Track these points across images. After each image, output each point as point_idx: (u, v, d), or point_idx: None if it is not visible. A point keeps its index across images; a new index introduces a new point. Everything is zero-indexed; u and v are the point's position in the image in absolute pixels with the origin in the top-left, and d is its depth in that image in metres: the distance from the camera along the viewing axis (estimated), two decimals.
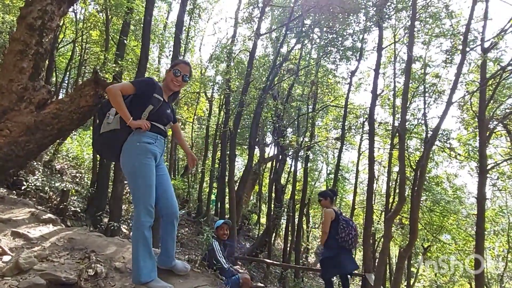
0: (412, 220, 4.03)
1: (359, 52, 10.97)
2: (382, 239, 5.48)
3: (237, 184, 12.67)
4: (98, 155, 7.83)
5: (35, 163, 5.83)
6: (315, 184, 21.55)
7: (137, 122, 2.54)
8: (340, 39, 10.37)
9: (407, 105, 9.36)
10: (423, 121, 8.65)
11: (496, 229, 11.07)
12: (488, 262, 13.34)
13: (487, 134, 6.77)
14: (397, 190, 7.11)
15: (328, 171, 20.70)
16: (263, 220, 18.42)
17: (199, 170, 16.06)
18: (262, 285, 6.98)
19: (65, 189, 6.14)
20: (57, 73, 12.04)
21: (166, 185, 2.77)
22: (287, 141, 12.54)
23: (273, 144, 16.63)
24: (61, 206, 5.66)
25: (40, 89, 5.61)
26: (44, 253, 2.97)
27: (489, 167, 6.45)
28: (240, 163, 22.63)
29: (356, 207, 14.24)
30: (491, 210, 10.58)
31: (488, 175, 7.12)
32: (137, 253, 2.53)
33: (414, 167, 8.13)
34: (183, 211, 13.15)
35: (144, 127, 2.54)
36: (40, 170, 6.21)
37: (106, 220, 6.99)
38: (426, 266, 13.72)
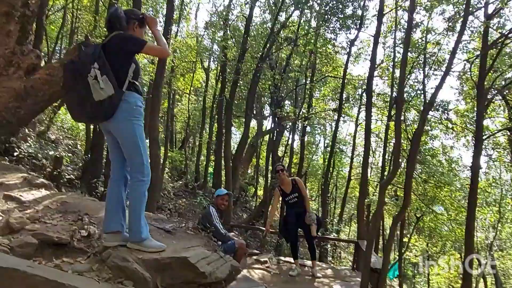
0: (406, 185, 4.05)
1: (359, 20, 10.70)
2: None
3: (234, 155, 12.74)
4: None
5: (27, 131, 5.76)
6: (312, 157, 21.69)
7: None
8: (340, 6, 10.07)
9: (406, 76, 9.25)
10: (422, 92, 8.55)
11: (488, 200, 11.27)
12: (479, 233, 13.68)
13: (485, 104, 6.72)
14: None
15: (326, 144, 20.73)
16: (260, 192, 18.60)
17: (197, 143, 16.08)
18: (258, 251, 7.12)
19: (58, 155, 6.10)
20: (48, 42, 11.68)
21: None
22: (284, 113, 12.45)
23: (271, 116, 16.51)
24: (54, 173, 5.66)
25: (28, 53, 5.45)
26: (37, 215, 2.96)
27: (485, 137, 6.44)
28: (238, 136, 22.60)
29: (352, 178, 14.37)
30: (485, 181, 10.72)
31: (483, 147, 7.17)
32: (139, 211, 2.53)
33: (411, 138, 8.14)
34: (179, 182, 13.26)
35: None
36: (33, 137, 6.14)
37: (102, 189, 7.02)
38: (418, 236, 14.04)
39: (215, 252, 2.90)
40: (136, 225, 2.50)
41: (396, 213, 10.91)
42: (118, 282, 2.30)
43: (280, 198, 6.01)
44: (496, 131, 8.15)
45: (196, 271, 2.49)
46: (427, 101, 7.90)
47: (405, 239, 14.27)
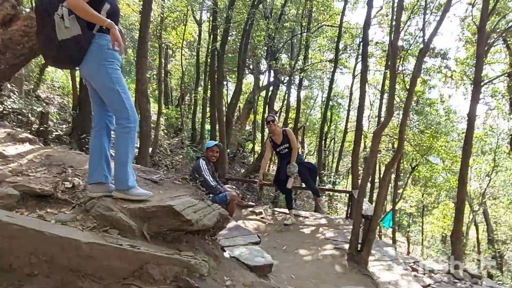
0: (400, 130, 3.97)
1: None
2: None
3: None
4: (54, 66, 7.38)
5: (10, 86, 5.57)
6: (310, 112, 21.51)
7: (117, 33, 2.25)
8: None
9: (405, 22, 8.84)
10: (421, 39, 8.23)
11: (484, 149, 11.32)
12: (474, 182, 13.94)
13: (486, 49, 6.46)
14: None
15: (323, 99, 20.45)
16: (258, 147, 18.69)
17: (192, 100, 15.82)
18: (254, 204, 7.23)
19: (43, 111, 5.95)
20: None
21: None
22: (280, 65, 12.09)
23: (267, 70, 16.11)
24: (41, 129, 5.56)
25: (2, 3, 5.14)
26: (20, 168, 2.90)
27: (483, 83, 6.28)
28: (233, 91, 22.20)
29: (348, 131, 14.33)
30: (482, 130, 10.70)
31: (482, 95, 7.03)
32: (126, 158, 2.44)
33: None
34: (176, 139, 13.23)
35: (119, 42, 2.27)
36: (17, 93, 5.95)
37: None
38: (414, 186, 14.29)
39: (203, 201, 2.88)
40: (122, 173, 2.43)
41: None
42: (103, 231, 2.28)
43: (272, 150, 6.01)
44: (495, 77, 7.94)
45: (181, 218, 2.47)
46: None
47: (400, 190, 14.60)
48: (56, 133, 6.38)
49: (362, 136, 11.15)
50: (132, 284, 2.09)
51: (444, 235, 18.42)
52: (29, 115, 5.78)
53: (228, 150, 13.61)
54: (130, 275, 2.10)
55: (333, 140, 20.62)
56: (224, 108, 10.49)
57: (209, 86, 10.88)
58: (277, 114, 14.98)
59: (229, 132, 10.26)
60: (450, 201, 17.22)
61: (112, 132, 2.59)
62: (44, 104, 8.06)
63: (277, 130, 5.83)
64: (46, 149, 3.55)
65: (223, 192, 5.06)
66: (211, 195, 4.94)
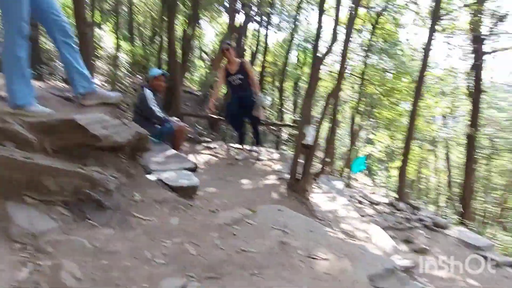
0: (342, 57, 3.86)
1: None
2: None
3: None
4: None
5: None
6: (287, 55, 20.89)
7: None
8: None
9: None
10: None
11: (445, 89, 11.47)
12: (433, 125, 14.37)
13: None
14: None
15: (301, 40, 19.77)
16: None
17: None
18: (209, 139, 7.13)
19: None
20: None
21: None
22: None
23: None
24: None
25: None
26: None
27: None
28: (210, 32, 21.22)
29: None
30: (443, 71, 10.72)
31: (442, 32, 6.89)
32: (11, 76, 2.31)
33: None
34: (140, 78, 12.69)
35: None
36: None
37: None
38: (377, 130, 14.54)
39: (118, 119, 2.75)
40: (10, 90, 2.32)
41: (358, 105, 11.09)
42: None
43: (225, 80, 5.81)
44: (454, 10, 7.74)
45: (87, 133, 2.35)
46: None
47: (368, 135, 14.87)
48: None
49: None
50: (25, 194, 2.04)
51: (408, 178, 19.31)
52: None
53: (201, 93, 13.31)
54: (25, 186, 2.04)
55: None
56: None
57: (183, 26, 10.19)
58: (253, 59, 14.47)
59: (185, 67, 9.89)
60: (417, 146, 17.82)
61: None
62: None
63: (234, 59, 5.62)
64: None
65: (169, 122, 4.92)
66: (158, 126, 4.81)
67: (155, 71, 5.12)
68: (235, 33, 15.08)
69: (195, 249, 1.74)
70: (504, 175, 15.23)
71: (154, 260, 1.60)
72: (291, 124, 10.56)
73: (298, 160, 4.26)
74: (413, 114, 6.24)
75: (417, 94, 6.13)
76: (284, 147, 10.94)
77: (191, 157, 5.20)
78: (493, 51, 9.74)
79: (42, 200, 1.96)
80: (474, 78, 9.86)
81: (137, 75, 13.40)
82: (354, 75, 9.68)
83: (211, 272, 1.54)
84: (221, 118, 7.55)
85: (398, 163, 19.99)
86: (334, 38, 4.45)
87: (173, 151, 4.29)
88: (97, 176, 2.30)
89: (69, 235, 1.78)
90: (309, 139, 4.37)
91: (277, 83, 18.17)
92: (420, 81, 6.14)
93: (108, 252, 1.62)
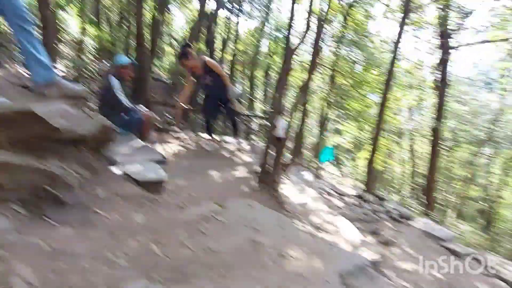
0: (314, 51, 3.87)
1: None
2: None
3: None
4: None
5: None
6: (260, 44, 20.71)
7: None
8: None
9: None
10: None
11: (413, 82, 11.88)
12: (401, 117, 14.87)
13: None
14: None
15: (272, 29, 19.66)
16: None
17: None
18: (179, 130, 6.97)
19: None
20: None
21: None
22: None
23: None
24: None
25: None
26: None
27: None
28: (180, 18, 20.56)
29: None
30: (411, 64, 11.07)
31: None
32: None
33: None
34: (107, 64, 12.16)
35: None
36: None
37: None
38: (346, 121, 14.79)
39: (81, 111, 2.61)
40: None
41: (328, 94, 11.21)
42: None
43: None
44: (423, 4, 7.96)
45: (47, 126, 2.22)
46: None
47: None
48: None
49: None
50: None
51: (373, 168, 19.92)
52: None
53: (170, 81, 12.94)
54: None
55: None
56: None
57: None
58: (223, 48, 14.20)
59: (154, 53, 9.59)
60: (383, 137, 18.36)
61: None
62: None
63: (194, 63, 5.43)
64: None
65: (136, 111, 4.76)
66: (125, 116, 4.64)
67: (123, 59, 4.89)
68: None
69: (160, 249, 1.69)
70: (463, 167, 16.07)
71: (116, 262, 1.54)
72: (262, 115, 10.54)
73: (269, 151, 4.25)
74: (382, 106, 6.42)
75: (387, 86, 6.30)
76: (254, 137, 10.91)
77: (159, 147, 5.07)
78: (459, 46, 10.16)
79: None
80: (440, 72, 10.24)
81: (103, 61, 12.85)
82: (324, 66, 9.75)
83: (177, 274, 1.50)
84: (191, 108, 7.40)
85: (365, 154, 20.64)
86: (307, 29, 4.44)
87: (140, 142, 4.16)
88: (57, 171, 2.18)
89: (24, 236, 1.67)
90: (280, 132, 4.36)
91: (247, 72, 18.04)
92: (390, 74, 6.31)
93: (66, 254, 1.54)
